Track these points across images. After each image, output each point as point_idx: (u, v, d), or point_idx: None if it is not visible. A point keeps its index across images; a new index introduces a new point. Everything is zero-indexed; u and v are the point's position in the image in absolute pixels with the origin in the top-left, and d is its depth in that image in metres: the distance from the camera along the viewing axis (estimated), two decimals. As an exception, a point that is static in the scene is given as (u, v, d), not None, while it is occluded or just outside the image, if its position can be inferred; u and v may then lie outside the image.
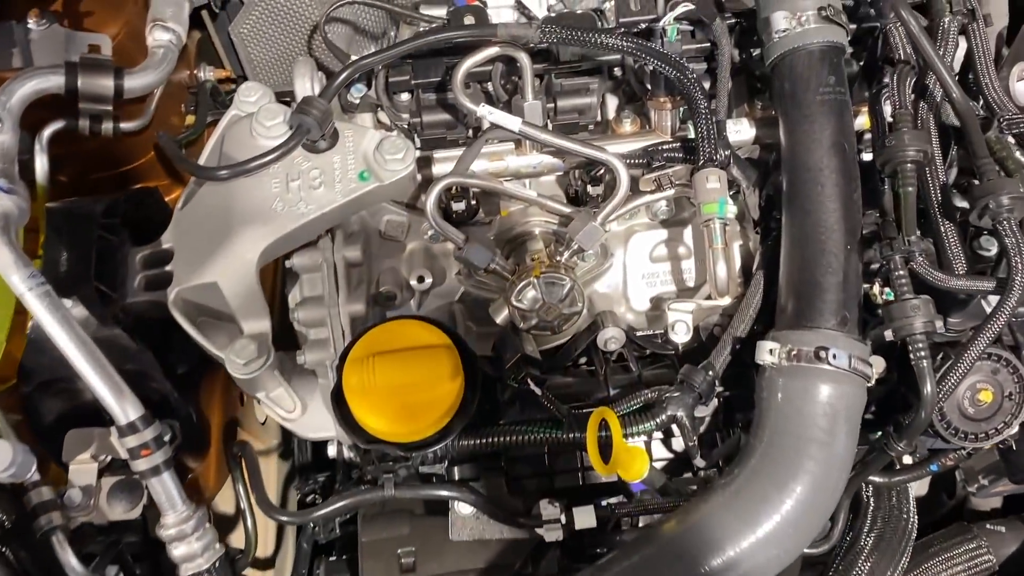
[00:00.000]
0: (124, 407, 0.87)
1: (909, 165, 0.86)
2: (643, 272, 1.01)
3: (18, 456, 0.86)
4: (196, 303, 0.95)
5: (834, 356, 0.81)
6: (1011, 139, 0.88)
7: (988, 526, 1.11)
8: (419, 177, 0.97)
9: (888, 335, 0.84)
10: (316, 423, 0.96)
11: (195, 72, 1.31)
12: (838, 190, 0.87)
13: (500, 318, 0.94)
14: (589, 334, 0.97)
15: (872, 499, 1.02)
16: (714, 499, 0.83)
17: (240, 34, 1.30)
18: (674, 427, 0.94)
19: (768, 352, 0.84)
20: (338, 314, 0.94)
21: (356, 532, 1.08)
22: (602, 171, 0.97)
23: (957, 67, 0.97)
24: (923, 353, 0.82)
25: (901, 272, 0.83)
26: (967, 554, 1.07)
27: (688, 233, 1.01)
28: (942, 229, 0.87)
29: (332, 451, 1.03)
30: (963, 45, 0.96)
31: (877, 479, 1.00)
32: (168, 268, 0.98)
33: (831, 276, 0.85)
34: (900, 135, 0.87)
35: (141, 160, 1.17)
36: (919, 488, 1.20)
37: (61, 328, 0.86)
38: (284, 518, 0.94)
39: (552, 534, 0.92)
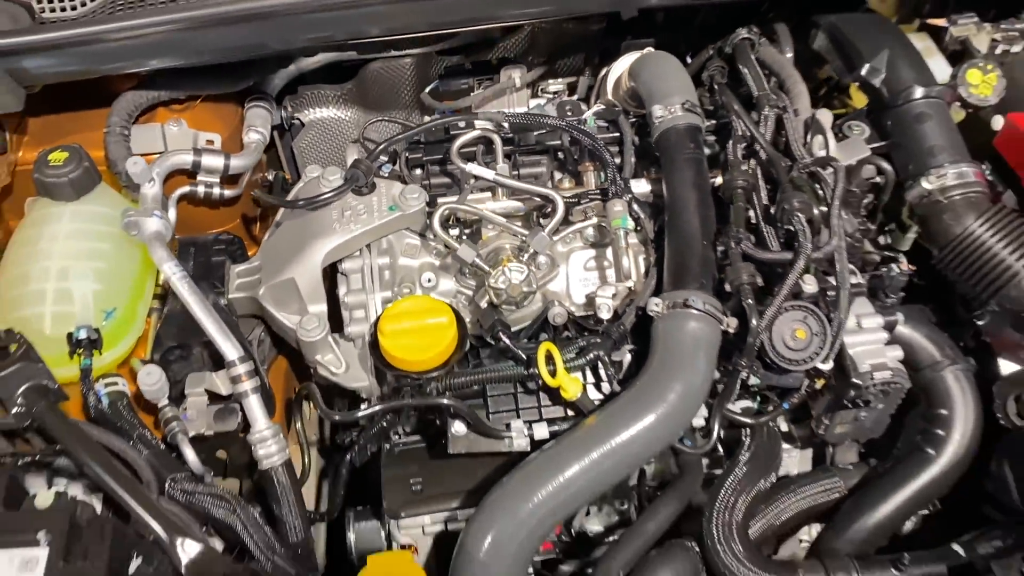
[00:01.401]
0: (231, 348, 1.30)
1: (739, 191, 1.36)
2: (580, 278, 1.47)
3: (162, 379, 1.29)
4: (275, 296, 1.41)
5: (693, 302, 1.26)
6: (805, 175, 1.38)
7: (842, 467, 1.51)
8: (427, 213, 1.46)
9: (727, 287, 1.30)
10: (355, 376, 1.39)
11: (265, 175, 1.83)
12: (698, 209, 1.35)
13: (483, 302, 1.39)
14: (542, 313, 1.42)
15: (748, 438, 1.43)
16: (619, 401, 1.24)
17: (300, 148, 1.83)
18: (600, 369, 1.36)
19: (655, 306, 1.29)
20: (373, 300, 1.40)
21: (377, 486, 1.47)
22: (550, 210, 1.46)
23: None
24: (750, 300, 1.27)
25: (734, 248, 1.30)
26: (822, 485, 1.46)
27: (609, 252, 1.48)
28: (763, 228, 1.35)
29: (364, 406, 1.44)
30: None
31: (748, 420, 1.41)
32: (257, 277, 1.44)
33: (694, 260, 1.31)
34: (732, 172, 1.37)
35: (231, 224, 1.66)
36: (802, 464, 1.60)
37: (194, 298, 1.31)
38: (337, 417, 1.33)
39: (520, 443, 1.33)
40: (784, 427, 1.54)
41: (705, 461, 1.45)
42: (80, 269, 1.33)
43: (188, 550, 1.08)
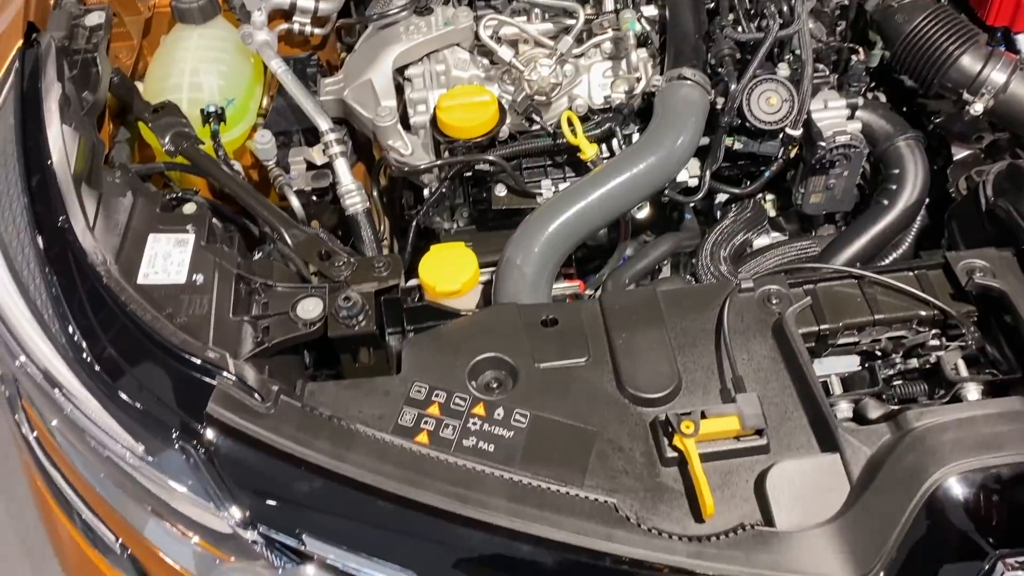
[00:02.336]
0: (323, 121, 1.67)
1: (726, -6, 1.70)
2: (599, 83, 1.79)
3: (272, 141, 1.67)
4: (356, 96, 1.78)
5: (686, 73, 1.59)
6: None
7: (821, 233, 1.82)
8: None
9: (712, 60, 1.62)
10: (419, 156, 1.74)
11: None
12: (692, 11, 1.69)
13: (520, 96, 1.74)
14: (568, 104, 1.76)
15: (734, 204, 1.76)
16: (627, 150, 1.59)
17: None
18: (614, 141, 1.70)
19: (656, 81, 1.63)
20: (433, 96, 1.76)
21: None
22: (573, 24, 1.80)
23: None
24: (731, 67, 1.60)
25: (718, 33, 1.63)
26: (800, 246, 1.77)
27: (623, 63, 1.81)
28: (744, 25, 1.67)
29: (426, 192, 1.80)
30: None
31: (737, 191, 1.74)
32: (341, 85, 1.82)
33: (688, 47, 1.65)
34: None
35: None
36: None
37: (294, 84, 1.69)
38: (407, 168, 1.69)
39: (549, 196, 1.67)
40: (772, 212, 1.86)
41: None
42: (207, 68, 1.73)
43: (297, 235, 1.45)
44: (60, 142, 1.43)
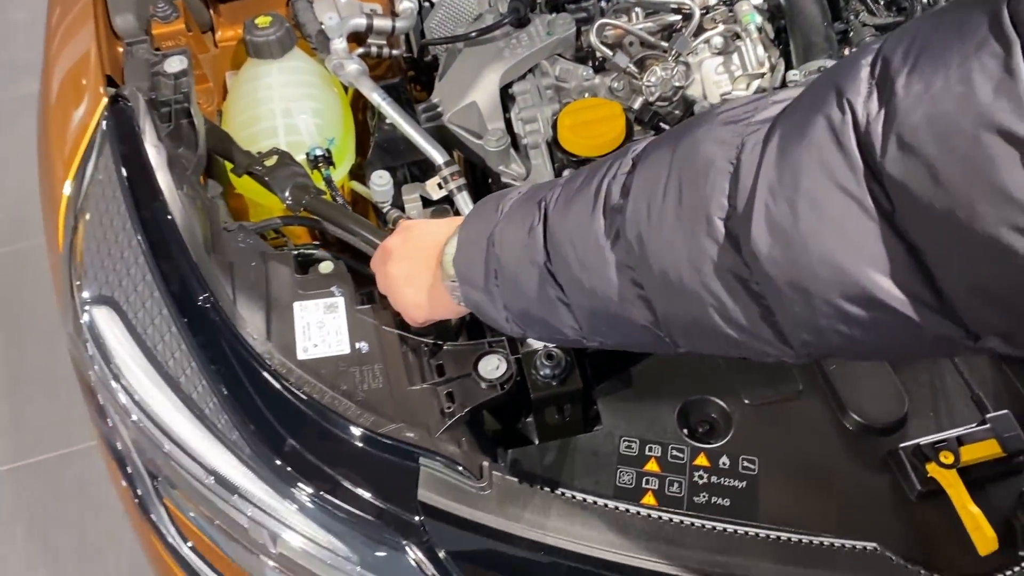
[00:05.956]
0: (438, 154, 1.53)
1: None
2: (713, 81, 1.69)
3: (390, 182, 1.53)
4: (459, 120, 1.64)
5: (827, 65, 1.49)
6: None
7: None
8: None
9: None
10: (538, 178, 1.62)
11: (403, 55, 2.07)
12: (816, 1, 1.59)
13: (637, 103, 1.62)
14: (688, 111, 1.64)
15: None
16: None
17: (430, 27, 2.05)
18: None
19: (793, 76, 1.53)
20: (544, 113, 1.63)
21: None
22: (682, 22, 1.68)
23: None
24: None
25: (853, 19, 1.54)
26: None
27: (735, 58, 1.70)
28: (872, 7, 1.58)
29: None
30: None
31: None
32: (438, 111, 1.68)
33: (819, 36, 1.54)
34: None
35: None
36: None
37: (404, 117, 1.55)
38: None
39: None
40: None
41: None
42: (300, 107, 1.57)
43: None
44: (181, 210, 1.27)
